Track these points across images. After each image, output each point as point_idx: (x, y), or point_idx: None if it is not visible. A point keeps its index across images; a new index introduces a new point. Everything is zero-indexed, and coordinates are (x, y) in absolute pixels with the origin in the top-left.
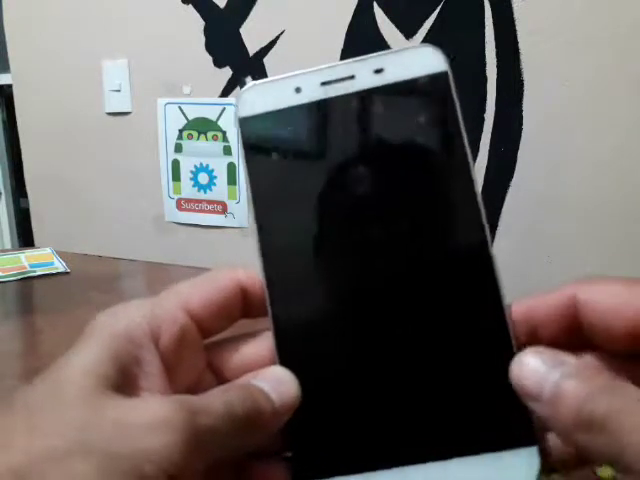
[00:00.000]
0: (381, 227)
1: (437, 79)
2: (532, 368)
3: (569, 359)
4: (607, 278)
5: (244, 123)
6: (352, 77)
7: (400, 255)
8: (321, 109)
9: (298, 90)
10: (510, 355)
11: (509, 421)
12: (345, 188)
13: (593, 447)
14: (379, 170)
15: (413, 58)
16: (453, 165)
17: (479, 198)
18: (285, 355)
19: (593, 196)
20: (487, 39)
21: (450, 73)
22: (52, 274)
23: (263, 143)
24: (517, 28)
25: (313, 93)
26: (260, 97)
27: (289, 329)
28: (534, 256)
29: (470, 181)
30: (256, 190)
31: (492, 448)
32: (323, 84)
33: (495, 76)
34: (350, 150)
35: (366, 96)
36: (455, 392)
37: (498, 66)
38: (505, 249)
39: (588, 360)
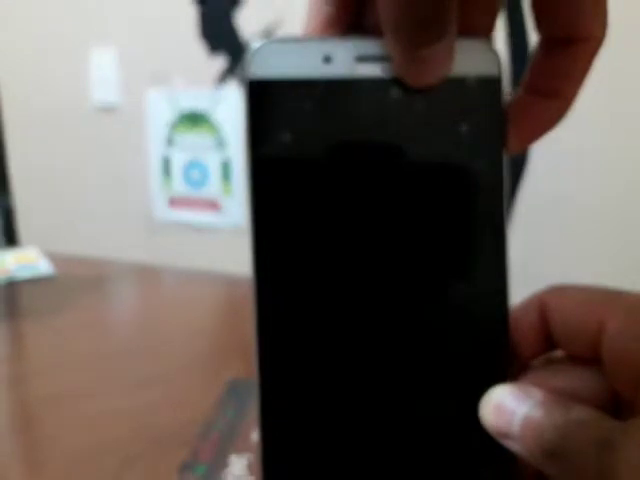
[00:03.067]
0: (396, 238)
1: (488, 84)
2: (499, 407)
3: (535, 392)
4: (575, 286)
5: (255, 87)
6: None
7: (412, 277)
8: (352, 89)
9: (327, 60)
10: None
11: (489, 461)
12: (362, 189)
13: (560, 476)
14: (402, 175)
15: (465, 52)
16: (485, 186)
17: (506, 226)
18: (266, 373)
19: (602, 198)
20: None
21: (502, 80)
22: (38, 276)
23: (275, 117)
24: (527, 24)
25: (344, 68)
26: (279, 58)
27: (274, 347)
28: (543, 257)
29: (500, 208)
30: (256, 167)
31: None
32: (357, 59)
33: (507, 72)
34: (377, 146)
35: (403, 85)
36: (432, 430)
37: (510, 63)
38: (514, 249)
39: (561, 385)
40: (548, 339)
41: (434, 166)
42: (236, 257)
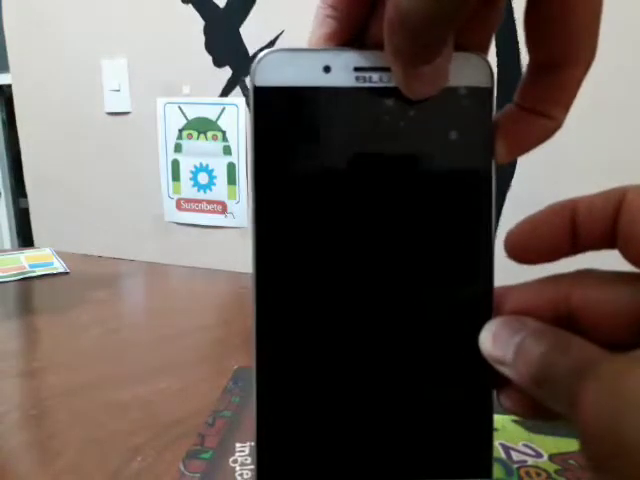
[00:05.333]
0: (388, 236)
1: (479, 94)
2: (497, 335)
3: (530, 322)
4: None
5: (260, 94)
6: (388, 69)
7: (406, 275)
8: (350, 98)
9: (327, 69)
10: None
11: (471, 452)
12: (359, 192)
13: (548, 402)
14: (396, 179)
15: (459, 64)
16: (474, 191)
17: (493, 235)
18: (263, 367)
19: None
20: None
21: (494, 91)
22: (52, 274)
23: (279, 122)
24: (517, 28)
25: (343, 77)
26: (284, 67)
27: (273, 338)
28: None
29: (488, 210)
30: (260, 172)
31: (452, 475)
32: (356, 69)
33: (495, 76)
34: (372, 151)
35: (399, 94)
36: (424, 421)
37: (498, 65)
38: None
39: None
40: (610, 234)
41: (427, 171)
42: (241, 256)
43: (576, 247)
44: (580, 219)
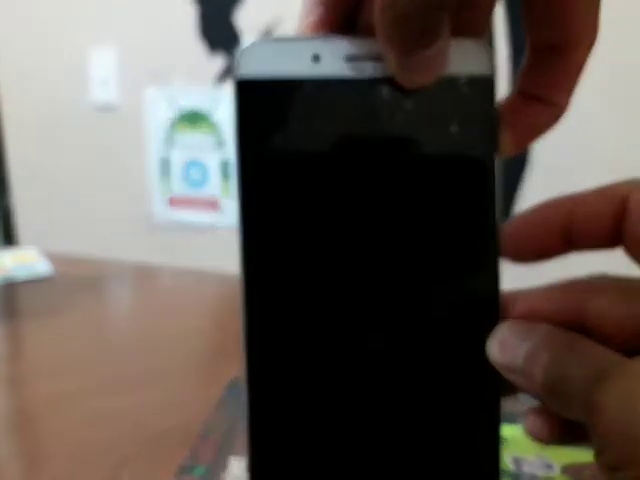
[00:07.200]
0: (383, 235)
1: (480, 83)
2: (505, 341)
3: (540, 326)
4: None
5: (244, 87)
6: (381, 58)
7: (407, 279)
8: (341, 89)
9: (316, 59)
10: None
11: (477, 464)
12: (350, 188)
13: (561, 409)
14: (394, 176)
15: (456, 52)
16: (476, 186)
17: (497, 228)
18: (254, 373)
19: None
20: (497, 32)
21: (495, 79)
22: (37, 276)
23: (264, 116)
24: None
25: (334, 67)
26: (268, 58)
27: (263, 343)
28: None
29: (491, 206)
30: (245, 169)
31: None
32: (348, 58)
33: (507, 70)
34: (367, 146)
35: (393, 85)
36: (428, 431)
37: (511, 59)
38: None
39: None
40: (614, 236)
41: (425, 165)
42: (236, 256)
43: (571, 246)
44: (576, 217)
